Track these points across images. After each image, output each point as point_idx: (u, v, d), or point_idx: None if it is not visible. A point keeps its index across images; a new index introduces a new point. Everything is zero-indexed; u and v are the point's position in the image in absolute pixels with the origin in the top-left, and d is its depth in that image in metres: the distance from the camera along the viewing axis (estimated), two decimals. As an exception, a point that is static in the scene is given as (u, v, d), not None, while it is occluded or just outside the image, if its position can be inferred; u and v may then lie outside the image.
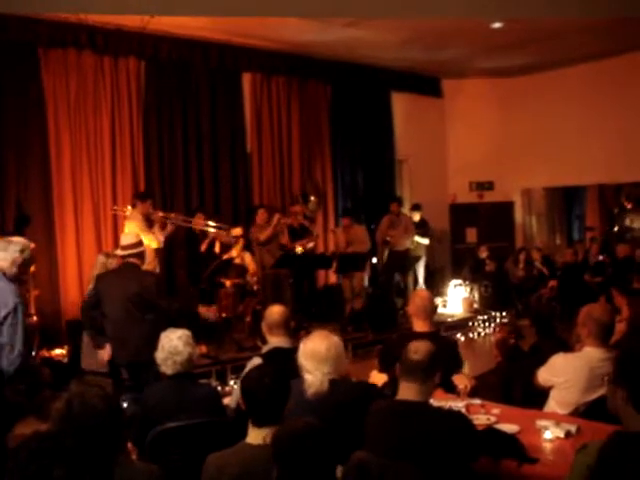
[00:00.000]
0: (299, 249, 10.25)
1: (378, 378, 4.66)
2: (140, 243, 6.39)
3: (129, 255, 6.24)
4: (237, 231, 9.77)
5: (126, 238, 6.49)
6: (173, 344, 4.21)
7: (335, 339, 3.93)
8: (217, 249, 9.60)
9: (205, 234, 9.48)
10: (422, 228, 12.28)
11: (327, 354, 3.79)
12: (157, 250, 8.78)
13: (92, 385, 2.78)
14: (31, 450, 1.89)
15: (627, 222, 14.95)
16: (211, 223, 9.40)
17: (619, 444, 2.10)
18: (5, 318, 4.33)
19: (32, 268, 8.26)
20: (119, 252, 6.49)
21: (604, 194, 15.74)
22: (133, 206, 8.87)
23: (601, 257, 12.47)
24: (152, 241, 8.53)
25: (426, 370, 3.36)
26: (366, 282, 11.86)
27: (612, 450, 2.08)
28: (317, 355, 3.78)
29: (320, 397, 3.74)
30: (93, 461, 1.89)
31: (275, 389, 3.21)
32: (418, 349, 3.38)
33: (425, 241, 12.34)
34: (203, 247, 9.44)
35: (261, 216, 10.20)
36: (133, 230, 8.14)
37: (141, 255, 6.36)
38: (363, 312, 10.66)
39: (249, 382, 3.28)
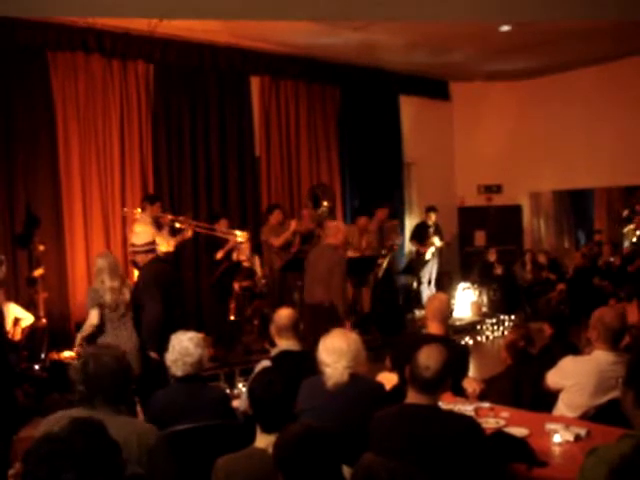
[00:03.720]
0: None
1: (387, 379, 4.66)
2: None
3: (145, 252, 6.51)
4: (244, 235, 9.73)
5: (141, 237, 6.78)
6: (184, 345, 4.20)
7: (355, 336, 4.08)
8: (235, 257, 9.44)
9: (225, 241, 9.32)
10: (438, 230, 12.32)
11: (348, 349, 3.90)
12: (167, 252, 8.81)
13: (105, 347, 3.37)
14: (41, 453, 1.89)
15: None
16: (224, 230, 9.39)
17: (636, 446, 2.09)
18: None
19: (41, 270, 8.40)
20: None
21: (612, 197, 15.70)
22: (142, 209, 8.89)
23: (612, 259, 12.41)
24: (162, 244, 8.55)
25: (436, 385, 3.35)
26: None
27: (634, 456, 2.06)
28: (338, 349, 3.88)
29: (340, 389, 3.82)
30: (103, 462, 1.89)
31: (283, 396, 3.21)
32: (429, 365, 3.31)
33: (439, 243, 12.35)
34: (219, 255, 9.23)
35: (276, 216, 10.05)
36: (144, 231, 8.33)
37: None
38: (370, 315, 10.63)
39: (257, 390, 3.27)
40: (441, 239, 12.42)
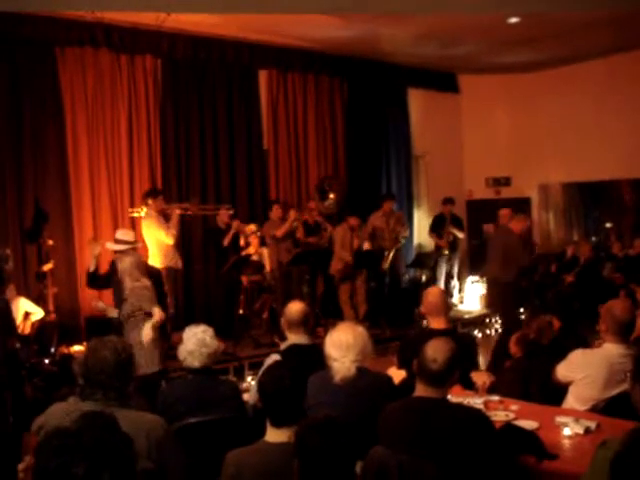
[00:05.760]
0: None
1: (396, 374, 4.67)
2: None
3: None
4: (251, 227, 9.77)
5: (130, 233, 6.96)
6: (199, 337, 4.25)
7: (361, 329, 4.07)
8: (242, 242, 9.59)
9: (228, 228, 9.44)
10: (457, 222, 12.35)
11: (354, 342, 3.91)
12: (176, 245, 8.87)
13: (107, 340, 3.25)
14: (51, 447, 1.90)
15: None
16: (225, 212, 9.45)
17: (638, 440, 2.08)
18: None
19: (50, 265, 8.43)
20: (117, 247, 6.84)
21: (620, 189, 15.60)
22: (146, 205, 8.89)
23: (631, 250, 12.32)
24: (167, 237, 8.58)
25: (444, 377, 3.35)
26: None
27: (632, 446, 2.06)
28: (344, 343, 3.89)
29: (347, 383, 3.82)
30: (114, 455, 1.89)
31: (293, 391, 3.20)
32: (436, 357, 3.33)
33: (461, 235, 12.34)
34: (226, 241, 9.34)
35: (275, 212, 10.20)
36: (149, 228, 8.58)
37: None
38: (380, 309, 10.62)
39: (266, 384, 3.27)
40: (461, 230, 12.36)
